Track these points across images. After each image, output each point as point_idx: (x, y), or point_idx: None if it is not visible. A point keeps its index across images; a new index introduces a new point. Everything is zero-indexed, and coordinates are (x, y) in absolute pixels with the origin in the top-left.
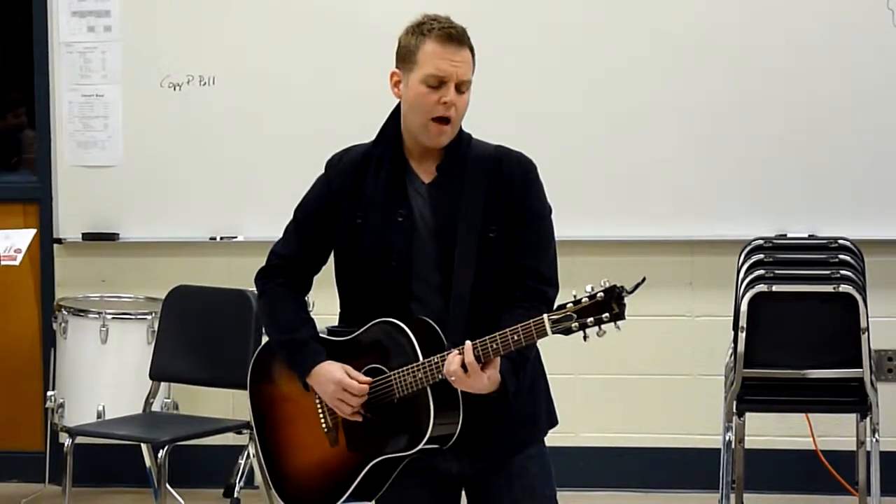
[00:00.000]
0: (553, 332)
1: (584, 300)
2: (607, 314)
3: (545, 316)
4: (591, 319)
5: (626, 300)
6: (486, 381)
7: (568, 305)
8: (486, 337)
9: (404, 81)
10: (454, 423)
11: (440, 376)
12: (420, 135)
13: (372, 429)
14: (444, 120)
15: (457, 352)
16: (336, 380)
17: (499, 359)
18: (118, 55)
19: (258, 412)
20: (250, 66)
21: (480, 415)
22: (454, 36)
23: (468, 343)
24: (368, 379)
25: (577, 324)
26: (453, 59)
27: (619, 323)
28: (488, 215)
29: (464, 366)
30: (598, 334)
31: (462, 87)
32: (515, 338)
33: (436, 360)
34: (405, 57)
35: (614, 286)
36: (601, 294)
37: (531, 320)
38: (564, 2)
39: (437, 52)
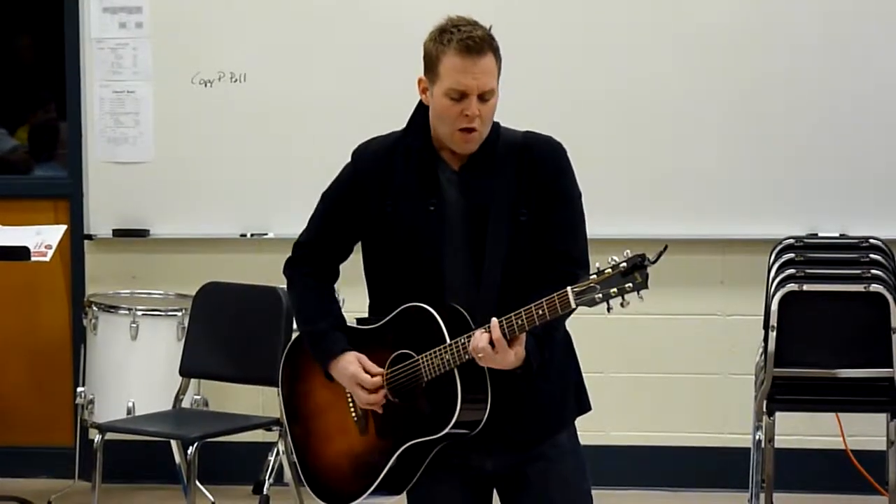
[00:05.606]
0: (577, 304)
1: (607, 271)
2: (630, 284)
3: (569, 288)
4: (614, 290)
5: (650, 270)
6: (512, 357)
7: (591, 277)
8: (512, 313)
9: (430, 90)
10: (482, 407)
11: (467, 357)
12: (448, 143)
13: (401, 414)
14: (469, 129)
15: (483, 330)
16: (349, 374)
17: (524, 336)
18: (149, 52)
19: (289, 405)
20: (281, 64)
21: (508, 399)
22: (473, 47)
23: (494, 320)
24: (381, 370)
25: (600, 294)
26: (473, 72)
27: (641, 293)
28: (519, 199)
29: (491, 343)
30: (621, 304)
31: (486, 95)
32: (540, 312)
33: (462, 340)
34: (429, 66)
35: (637, 255)
36: (624, 264)
37: (555, 293)
38: (592, 1)
39: (456, 65)
